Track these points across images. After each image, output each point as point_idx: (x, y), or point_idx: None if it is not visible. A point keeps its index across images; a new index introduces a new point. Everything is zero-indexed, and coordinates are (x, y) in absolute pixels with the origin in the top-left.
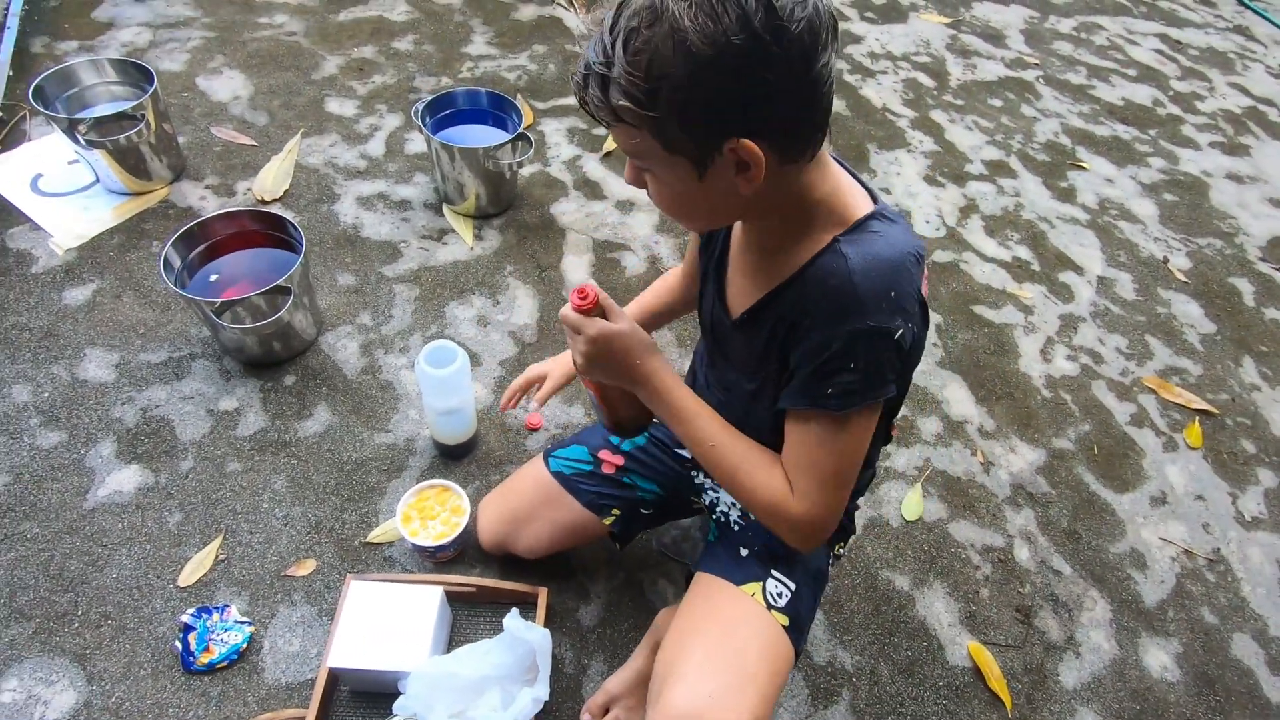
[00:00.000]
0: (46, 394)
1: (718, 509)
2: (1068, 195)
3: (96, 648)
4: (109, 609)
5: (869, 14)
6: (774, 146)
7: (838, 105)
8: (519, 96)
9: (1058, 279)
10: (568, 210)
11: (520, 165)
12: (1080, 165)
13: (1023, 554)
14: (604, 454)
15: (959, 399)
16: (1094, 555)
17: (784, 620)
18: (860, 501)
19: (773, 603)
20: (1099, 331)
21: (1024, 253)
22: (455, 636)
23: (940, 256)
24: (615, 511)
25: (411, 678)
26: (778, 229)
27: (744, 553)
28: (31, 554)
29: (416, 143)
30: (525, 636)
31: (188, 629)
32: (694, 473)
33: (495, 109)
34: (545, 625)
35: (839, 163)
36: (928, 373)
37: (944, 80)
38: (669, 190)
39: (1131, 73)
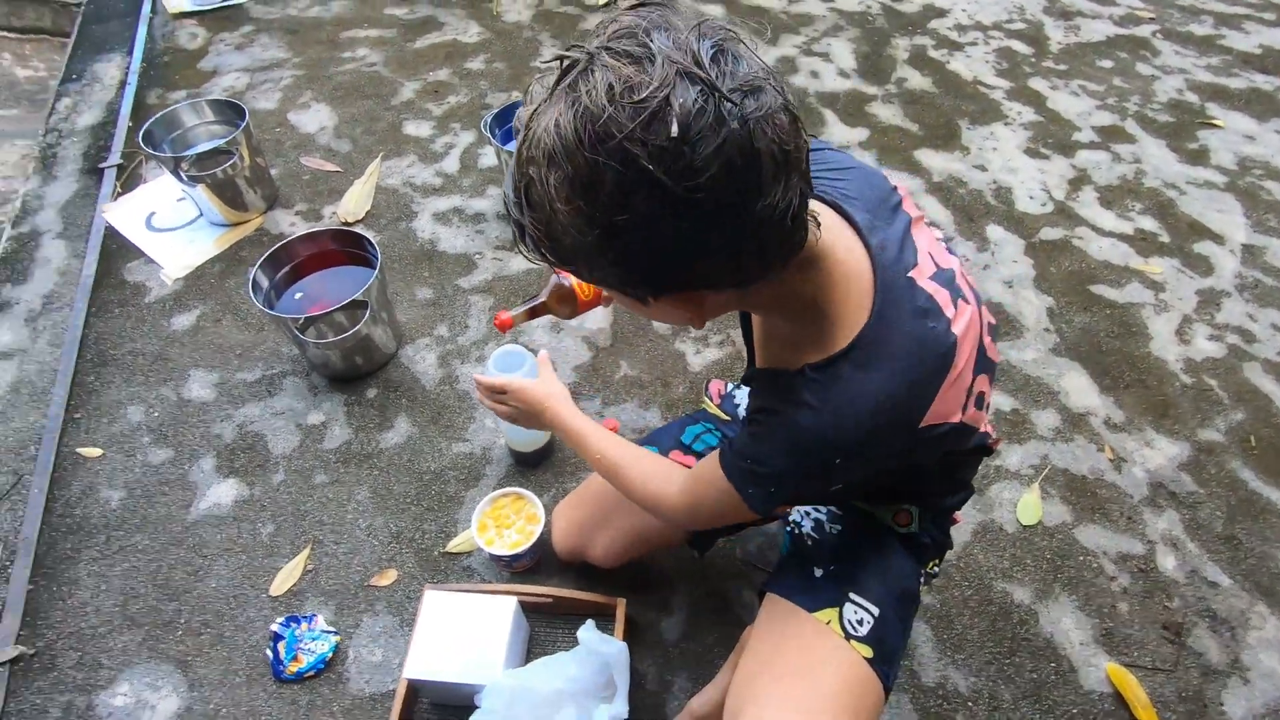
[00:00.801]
0: (156, 413)
1: (791, 518)
2: (1198, 157)
3: (197, 655)
4: (208, 617)
5: None
6: (722, 290)
7: (924, 83)
8: None
9: (1192, 250)
10: None
11: None
12: (1213, 123)
13: (1168, 563)
14: (675, 455)
15: (1079, 388)
16: (1258, 564)
17: (867, 651)
18: (959, 515)
19: (852, 631)
20: (1248, 306)
21: (1149, 224)
22: (533, 648)
23: (1049, 233)
24: None
25: (487, 692)
26: (771, 322)
27: (817, 573)
28: (142, 564)
29: (488, 157)
30: (600, 650)
31: (277, 638)
32: None
33: None
34: (624, 638)
35: (853, 224)
36: (1041, 361)
37: (1043, 46)
38: (622, 304)
39: (1269, 16)
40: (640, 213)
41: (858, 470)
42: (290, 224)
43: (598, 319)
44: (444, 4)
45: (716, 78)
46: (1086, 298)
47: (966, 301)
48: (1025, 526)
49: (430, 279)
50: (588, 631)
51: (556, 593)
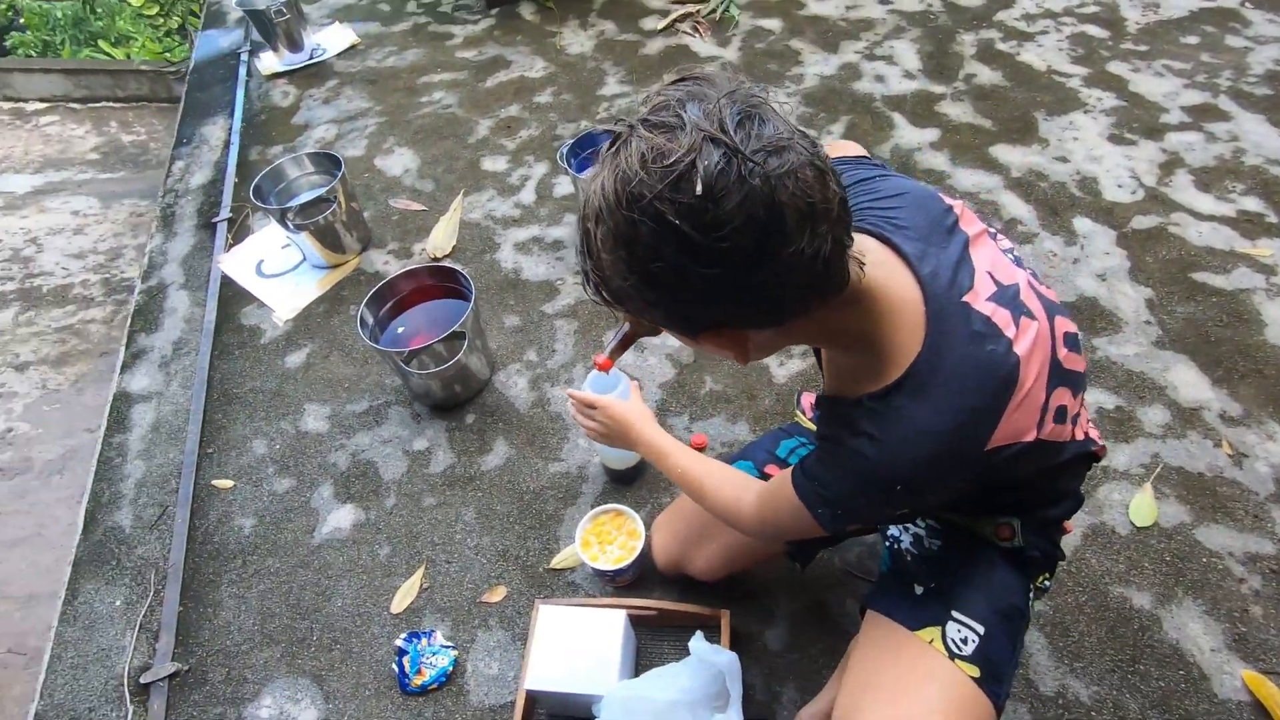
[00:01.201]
0: (278, 446)
1: (890, 532)
2: None
3: (329, 669)
4: (337, 634)
5: None
6: (763, 329)
7: (994, 77)
8: None
9: None
10: None
11: None
12: None
13: None
14: (770, 468)
15: (1189, 382)
16: None
17: (973, 671)
18: (1069, 524)
19: (956, 650)
20: None
21: (1253, 204)
22: (640, 660)
23: (1142, 222)
24: None
25: (605, 701)
26: (828, 352)
27: (918, 590)
28: (275, 586)
29: (563, 185)
30: (713, 660)
31: (402, 652)
32: None
33: None
34: (730, 649)
35: (903, 255)
36: (1144, 355)
37: (1119, 28)
38: (672, 335)
39: None
40: (672, 262)
41: (924, 495)
42: (384, 262)
43: None
44: (510, 43)
45: (740, 141)
46: (1189, 286)
47: (1032, 318)
48: (1139, 528)
49: (516, 306)
50: (699, 642)
51: (661, 605)
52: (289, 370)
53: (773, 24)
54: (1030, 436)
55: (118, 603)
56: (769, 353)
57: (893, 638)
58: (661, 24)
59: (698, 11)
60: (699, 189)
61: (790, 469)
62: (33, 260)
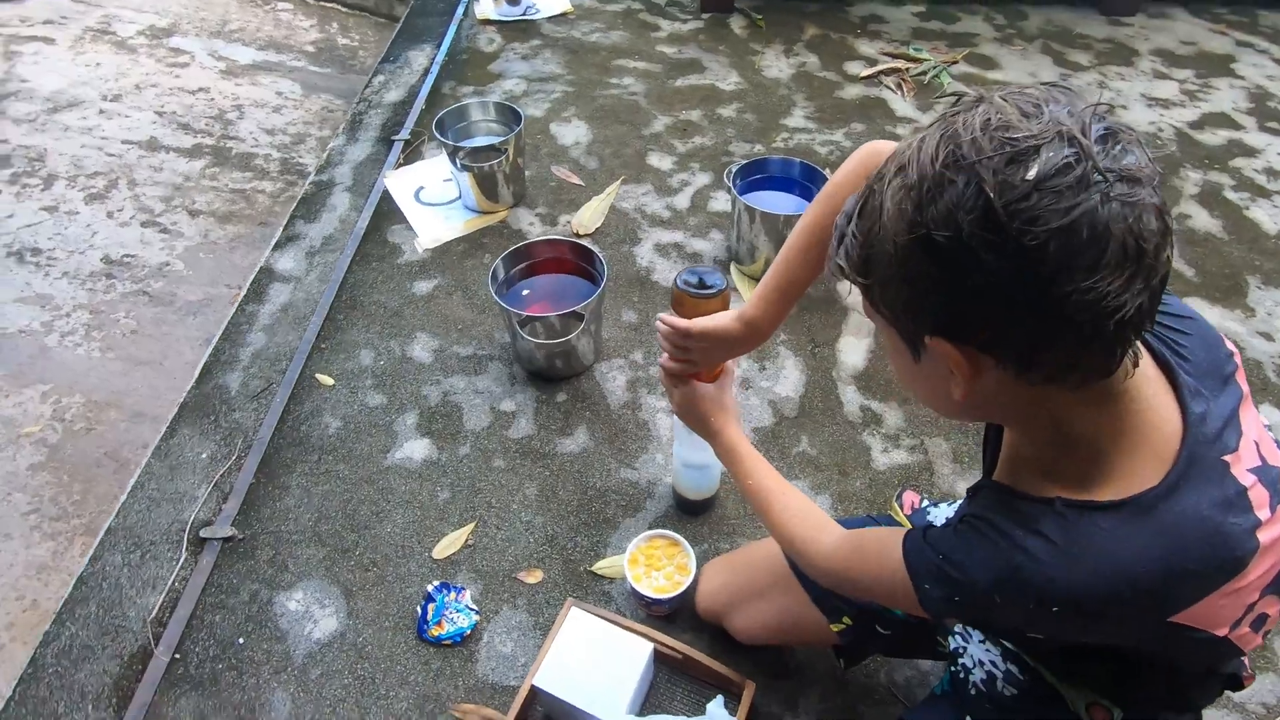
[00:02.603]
0: (382, 362)
1: (960, 659)
2: None
3: (361, 588)
4: (378, 557)
5: (1271, 123)
6: (1004, 364)
7: (1211, 225)
8: (830, 171)
9: None
10: (856, 292)
11: None
12: None
13: None
14: None
15: None
16: None
17: None
18: None
19: None
20: None
21: None
22: (649, 698)
23: None
24: (847, 620)
25: None
26: (1027, 440)
27: None
28: (338, 491)
29: (719, 202)
30: None
31: (429, 599)
32: None
33: (805, 180)
34: None
35: (1174, 383)
36: None
37: None
38: (891, 356)
39: None
40: (964, 235)
41: (1069, 629)
42: (529, 223)
43: (794, 384)
44: (711, 49)
45: (1097, 153)
46: None
47: None
48: None
49: (638, 304)
50: (717, 708)
51: (690, 652)
52: (414, 295)
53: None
54: (1220, 631)
55: (204, 455)
56: (979, 413)
57: None
58: (866, 72)
59: (907, 69)
60: (1032, 173)
61: (903, 531)
62: (232, 125)
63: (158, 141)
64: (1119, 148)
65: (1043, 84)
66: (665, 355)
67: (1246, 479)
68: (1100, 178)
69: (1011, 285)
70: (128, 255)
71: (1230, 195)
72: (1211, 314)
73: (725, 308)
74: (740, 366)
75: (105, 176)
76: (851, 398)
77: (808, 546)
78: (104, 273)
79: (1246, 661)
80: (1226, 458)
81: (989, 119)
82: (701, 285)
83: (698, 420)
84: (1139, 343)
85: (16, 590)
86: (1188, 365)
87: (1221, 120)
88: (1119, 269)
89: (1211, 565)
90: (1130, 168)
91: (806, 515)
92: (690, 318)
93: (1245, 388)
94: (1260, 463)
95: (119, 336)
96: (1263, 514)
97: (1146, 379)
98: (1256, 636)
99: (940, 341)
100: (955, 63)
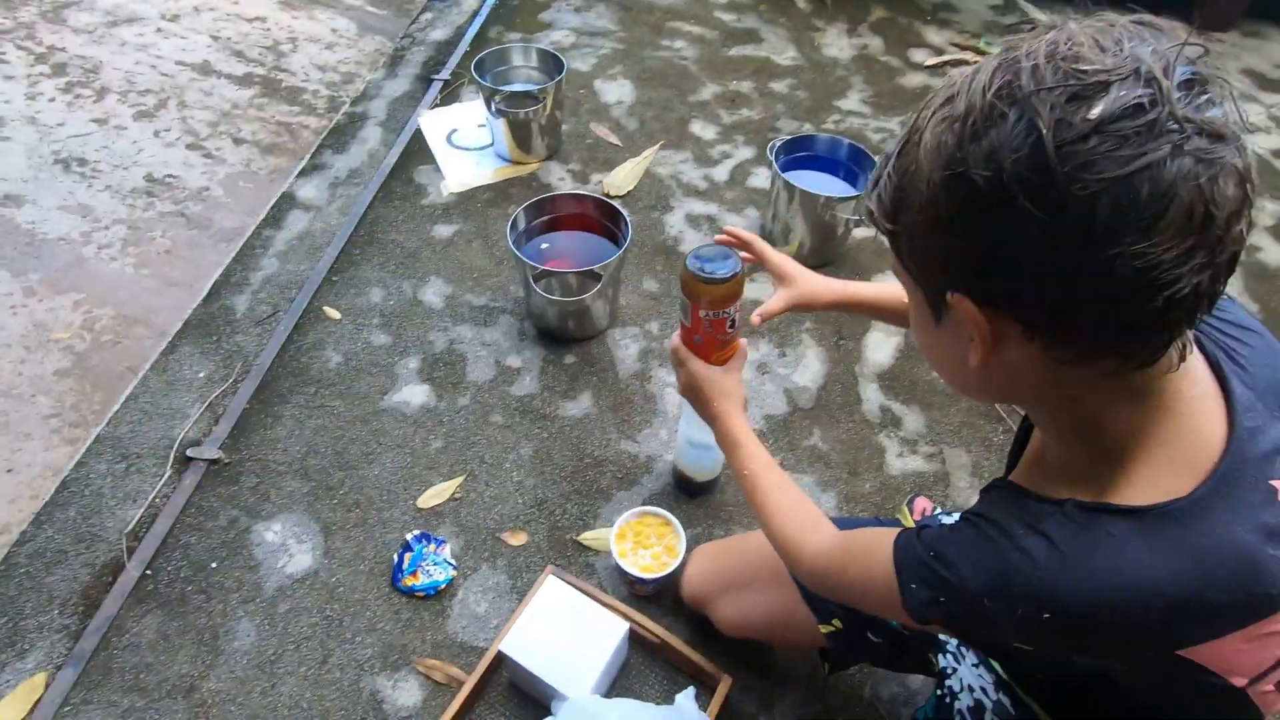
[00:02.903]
0: (392, 302)
1: (949, 680)
2: None
3: (341, 528)
4: (362, 499)
5: None
6: (1031, 332)
7: (1277, 257)
8: (880, 158)
9: None
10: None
11: (857, 224)
12: None
13: None
14: None
15: None
16: None
17: None
18: None
19: None
20: None
21: None
22: (622, 677)
23: None
24: (836, 623)
25: (565, 707)
26: (1050, 433)
27: None
28: (331, 426)
29: (759, 179)
30: None
31: (407, 548)
32: None
33: (852, 162)
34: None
35: (1226, 391)
36: None
37: None
38: (913, 321)
39: None
40: (1005, 177)
41: (1061, 644)
42: (560, 178)
43: (813, 374)
44: (771, 21)
45: (1178, 99)
46: None
47: None
48: None
49: (661, 273)
50: (687, 700)
51: (667, 637)
52: (433, 238)
53: None
54: (1238, 681)
55: (201, 375)
56: (999, 390)
57: None
58: (931, 60)
59: (975, 62)
60: (1095, 111)
61: (896, 530)
62: (284, 57)
63: (210, 66)
64: (1205, 97)
65: (1132, 18)
66: (678, 334)
67: None
68: (1175, 126)
69: (1049, 241)
70: (170, 176)
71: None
72: None
73: (739, 293)
74: (759, 351)
75: (156, 95)
76: (872, 395)
77: (796, 544)
78: (145, 190)
79: None
80: (1275, 483)
81: (1056, 48)
82: (713, 271)
83: (702, 402)
84: (1190, 336)
85: (31, 489)
86: (1245, 376)
87: None
88: (1180, 236)
89: (1237, 597)
90: (1214, 121)
91: (799, 511)
92: (700, 302)
93: None
94: None
95: (154, 255)
96: None
97: (1194, 379)
98: (1276, 700)
99: (962, 299)
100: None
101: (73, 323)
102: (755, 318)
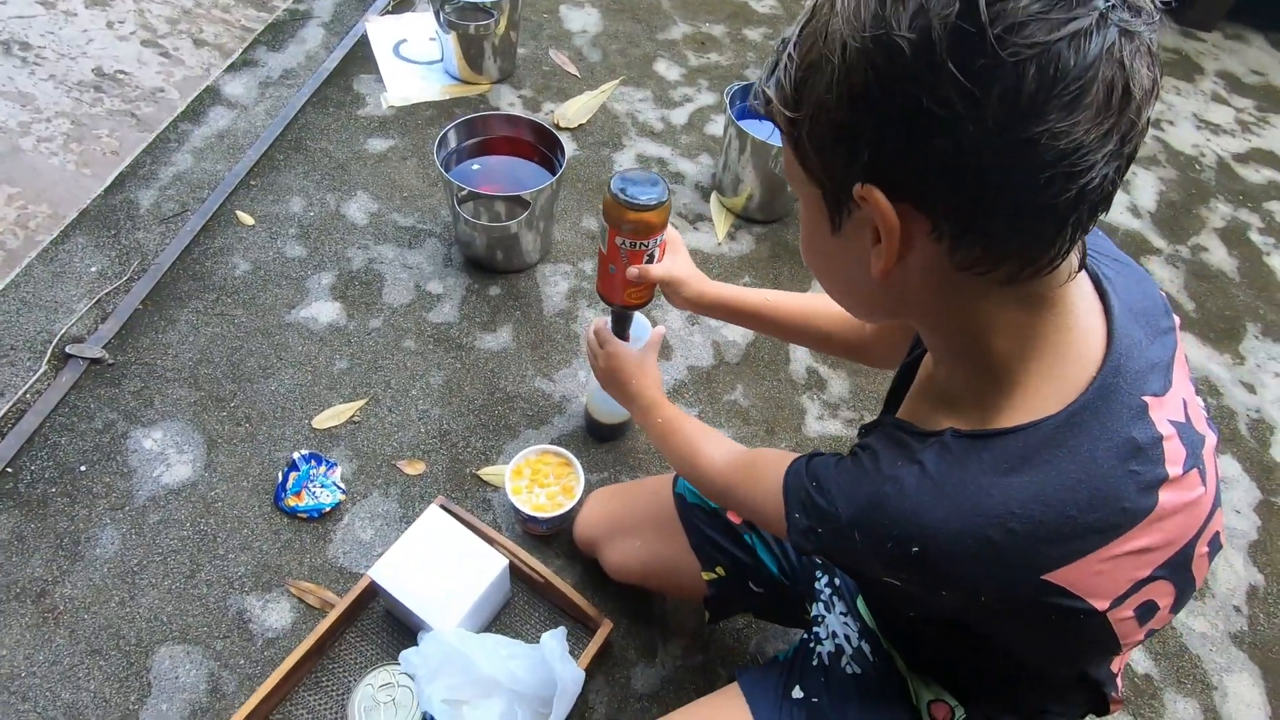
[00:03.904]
0: (313, 213)
1: (816, 628)
2: None
3: (227, 442)
4: (253, 414)
5: None
6: (939, 229)
7: (1227, 263)
8: None
9: None
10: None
11: None
12: None
13: None
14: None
15: (1244, 697)
16: None
17: None
18: None
19: None
20: None
21: None
22: (506, 613)
23: None
24: (720, 570)
25: (427, 638)
26: (941, 355)
27: (797, 693)
28: (229, 336)
29: (717, 126)
30: (555, 667)
31: (293, 467)
32: (819, 574)
33: None
34: (590, 665)
35: (1106, 306)
36: (1210, 641)
37: None
38: (805, 232)
39: None
40: (933, 37)
41: (931, 577)
42: (510, 103)
43: (744, 329)
44: None
45: None
46: None
47: (1204, 484)
48: None
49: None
50: (554, 640)
51: (551, 577)
52: (365, 152)
53: None
54: (1100, 604)
55: (93, 269)
56: (893, 305)
57: (727, 713)
58: None
59: None
60: None
61: (795, 456)
62: None
63: None
64: None
65: None
66: (597, 321)
67: (1165, 428)
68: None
69: (973, 115)
70: (121, 71)
71: (1255, 237)
72: (1199, 354)
73: (662, 226)
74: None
75: None
76: (800, 356)
77: (705, 459)
78: (93, 84)
79: (1119, 676)
80: (1147, 399)
81: None
82: (634, 195)
83: (620, 384)
84: (1084, 246)
85: None
86: (1121, 300)
87: (1269, 159)
88: (1100, 115)
89: (1098, 517)
90: None
91: (708, 435)
92: (619, 228)
93: (1182, 353)
94: (1184, 420)
95: (98, 154)
96: (1173, 469)
97: (1083, 292)
98: (1139, 630)
99: (872, 191)
100: None
101: (5, 216)
102: (633, 269)
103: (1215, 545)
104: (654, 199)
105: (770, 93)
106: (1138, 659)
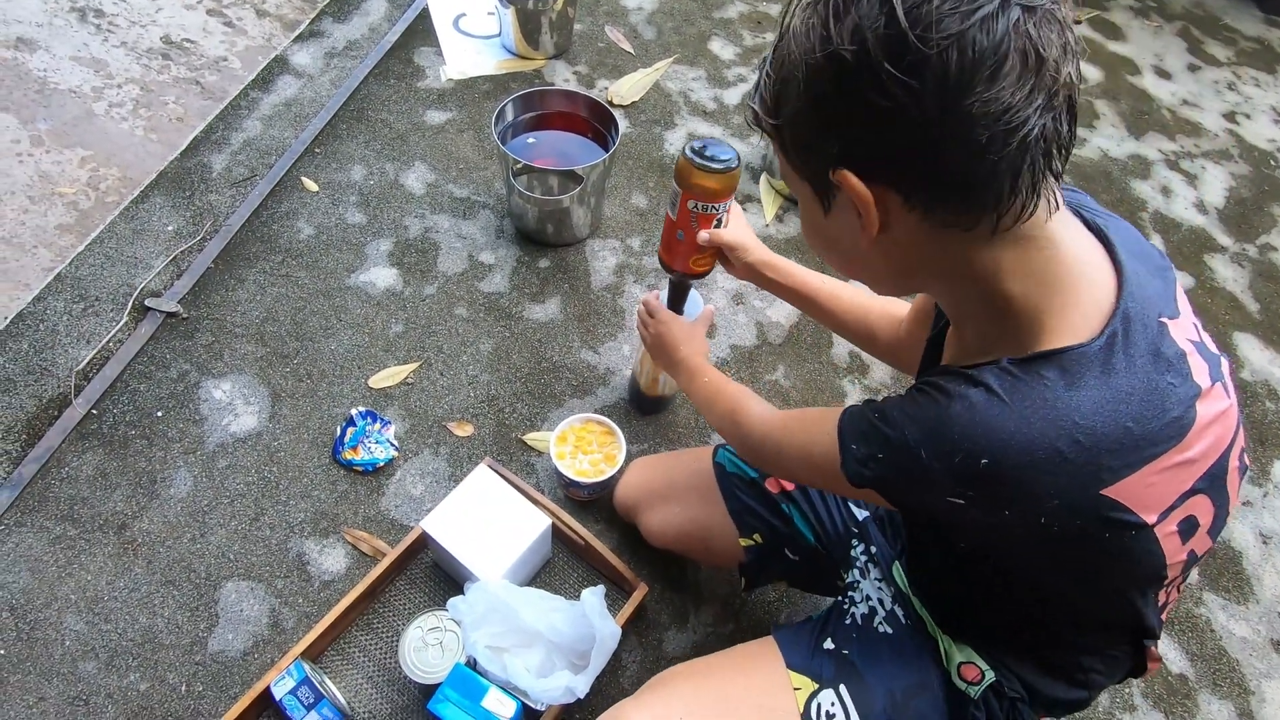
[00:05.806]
0: (373, 181)
1: (850, 592)
2: None
3: (290, 396)
4: (314, 371)
5: None
6: (911, 199)
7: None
8: None
9: None
10: None
11: None
12: None
13: None
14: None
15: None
16: None
17: None
18: None
19: (812, 714)
20: None
21: None
22: (546, 573)
23: None
24: (757, 537)
25: (475, 587)
26: (963, 314)
27: (828, 644)
28: (293, 296)
29: None
30: (595, 621)
31: (350, 422)
32: (855, 541)
33: None
34: (625, 624)
35: (1106, 243)
36: (1252, 646)
37: None
38: (805, 221)
39: None
40: (869, 47)
41: (994, 495)
42: (564, 79)
43: (788, 311)
44: None
45: None
46: None
47: (1229, 396)
48: None
49: (652, 190)
50: (594, 596)
51: (592, 540)
52: (424, 123)
53: (1090, 73)
54: (1150, 518)
55: (170, 228)
56: (897, 273)
57: (761, 660)
58: None
59: None
60: None
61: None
62: None
63: None
64: None
65: None
66: (655, 294)
67: (1185, 345)
68: None
69: (914, 100)
70: (188, 40)
71: None
72: (1261, 355)
73: (732, 190)
74: (738, 280)
75: None
76: (843, 340)
77: (751, 415)
78: (161, 52)
79: (1160, 628)
80: (1163, 319)
81: None
82: (711, 158)
83: (668, 350)
84: (1055, 188)
85: None
86: (1120, 240)
87: None
88: (1020, 79)
89: (1153, 429)
90: None
91: (754, 396)
92: (692, 191)
93: (1182, 289)
94: (1199, 339)
95: (165, 120)
96: (1202, 382)
97: (1074, 228)
98: (1182, 550)
99: (846, 174)
100: (1079, 23)
101: (78, 179)
102: (704, 233)
103: (1243, 464)
104: (730, 161)
105: (755, 106)
106: (1174, 658)
